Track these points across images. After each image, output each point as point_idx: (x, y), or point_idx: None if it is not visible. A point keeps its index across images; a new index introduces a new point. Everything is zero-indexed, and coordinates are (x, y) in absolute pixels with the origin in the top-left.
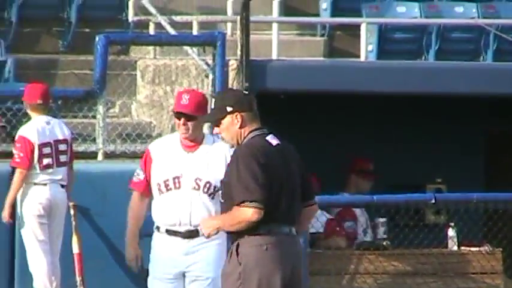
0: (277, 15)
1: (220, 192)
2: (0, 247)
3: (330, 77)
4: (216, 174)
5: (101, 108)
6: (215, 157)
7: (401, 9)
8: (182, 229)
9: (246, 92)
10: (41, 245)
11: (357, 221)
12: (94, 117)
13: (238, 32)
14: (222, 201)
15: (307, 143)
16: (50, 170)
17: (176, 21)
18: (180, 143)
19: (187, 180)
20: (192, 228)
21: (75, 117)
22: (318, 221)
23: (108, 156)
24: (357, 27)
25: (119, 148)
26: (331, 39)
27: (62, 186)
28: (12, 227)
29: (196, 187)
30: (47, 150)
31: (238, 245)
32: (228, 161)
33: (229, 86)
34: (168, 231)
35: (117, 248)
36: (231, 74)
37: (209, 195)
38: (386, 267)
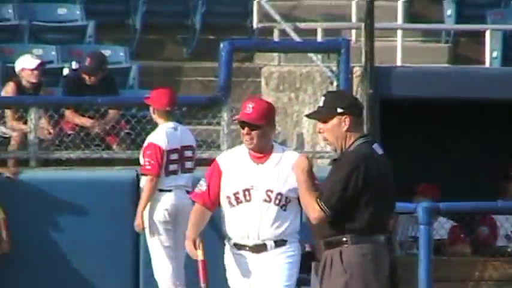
0: (401, 22)
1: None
2: (126, 254)
3: (455, 84)
4: (287, 185)
5: (225, 115)
6: (285, 167)
7: None
8: (250, 243)
9: (357, 96)
10: (166, 251)
11: (495, 228)
12: (218, 123)
13: (363, 39)
14: None
15: (431, 149)
16: (175, 176)
17: (301, 28)
18: (249, 155)
19: (258, 192)
20: (260, 242)
21: (200, 124)
22: (443, 227)
23: None
24: (482, 33)
25: None
26: (455, 45)
27: (187, 192)
28: (136, 234)
29: (268, 199)
30: (174, 156)
31: (341, 253)
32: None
33: (354, 92)
34: (236, 245)
35: None
36: (356, 81)
37: (281, 207)
38: None
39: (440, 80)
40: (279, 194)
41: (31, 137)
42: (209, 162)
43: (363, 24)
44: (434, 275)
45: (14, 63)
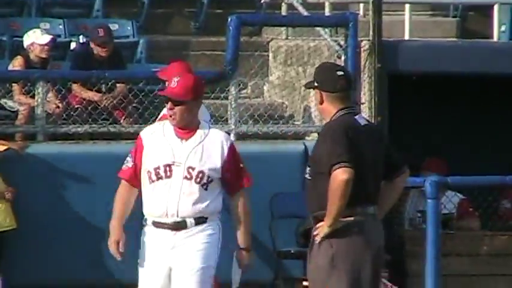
0: None
1: (308, 168)
2: (133, 225)
3: (463, 58)
4: (211, 164)
5: (233, 89)
6: (210, 145)
7: None
8: (169, 220)
9: (341, 73)
10: None
11: None
12: (226, 98)
13: (371, 13)
14: (309, 178)
15: (439, 123)
16: None
17: (308, 2)
18: (174, 130)
19: (179, 168)
20: (179, 219)
21: (207, 98)
22: (451, 201)
23: (240, 137)
24: (490, 7)
25: (251, 129)
26: (463, 19)
27: None
28: None
29: (188, 176)
30: None
31: None
32: (225, 150)
33: (362, 66)
34: (155, 223)
35: None
36: (363, 55)
37: (202, 185)
38: None
39: (448, 54)
40: (201, 172)
41: (38, 111)
42: None
43: None
44: (442, 249)
45: (21, 37)
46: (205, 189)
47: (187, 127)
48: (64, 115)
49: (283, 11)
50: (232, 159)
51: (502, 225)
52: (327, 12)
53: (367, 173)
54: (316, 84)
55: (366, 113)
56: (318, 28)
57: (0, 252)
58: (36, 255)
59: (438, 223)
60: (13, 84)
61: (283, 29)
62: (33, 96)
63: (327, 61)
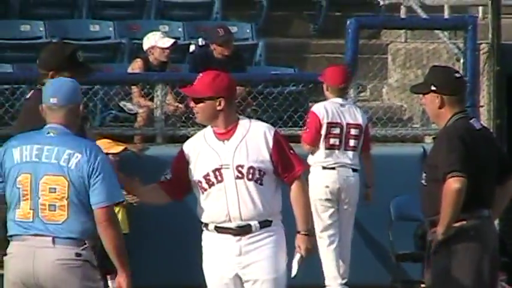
0: None
1: (423, 174)
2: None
3: None
4: (258, 157)
5: (351, 92)
6: (254, 139)
7: None
8: (233, 225)
9: (458, 75)
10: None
11: None
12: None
13: (490, 16)
14: (425, 184)
15: None
16: (337, 152)
17: (427, 5)
18: (214, 133)
19: (228, 170)
20: (243, 223)
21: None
22: None
23: None
24: None
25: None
26: None
27: (353, 170)
28: None
29: (240, 175)
30: (335, 130)
31: None
32: (270, 140)
33: (481, 69)
34: (218, 229)
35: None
36: (482, 58)
37: (255, 181)
38: None
39: None
40: (251, 167)
41: (157, 113)
42: None
43: (489, 1)
44: None
45: (140, 39)
46: (261, 184)
47: (225, 127)
48: (183, 117)
49: (402, 13)
50: (280, 148)
51: None
52: (446, 14)
53: (482, 177)
54: (434, 88)
55: (484, 116)
56: (436, 31)
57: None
58: (146, 260)
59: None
60: (132, 87)
61: (402, 31)
62: (152, 99)
63: (437, 64)
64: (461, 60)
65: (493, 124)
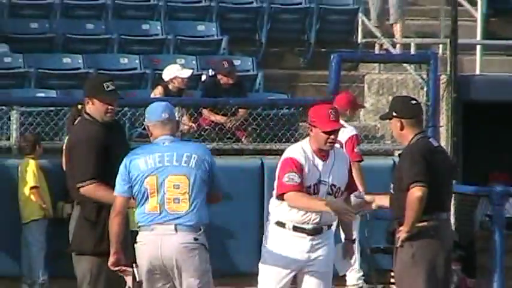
0: (480, 39)
1: (391, 185)
2: (250, 233)
3: None
4: (343, 180)
5: None
6: (340, 164)
7: None
8: (309, 227)
9: (414, 102)
10: None
11: None
12: None
13: (448, 52)
14: (392, 192)
15: (506, 143)
16: None
17: (397, 43)
18: (313, 152)
19: (325, 186)
20: (318, 226)
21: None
22: None
23: None
24: None
25: None
26: None
27: None
28: (260, 215)
29: (331, 192)
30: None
31: None
32: (348, 166)
33: (441, 96)
34: (295, 228)
35: None
36: (442, 87)
37: (335, 197)
38: None
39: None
40: (339, 188)
41: None
42: None
43: (448, 40)
44: (506, 246)
45: (161, 70)
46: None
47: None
48: (196, 134)
49: (377, 49)
50: (351, 173)
51: None
52: (412, 51)
53: (441, 185)
54: (395, 113)
55: (443, 134)
56: (404, 64)
57: None
58: None
59: (503, 225)
60: None
61: (376, 64)
62: None
63: (398, 95)
64: (425, 89)
65: (451, 141)
